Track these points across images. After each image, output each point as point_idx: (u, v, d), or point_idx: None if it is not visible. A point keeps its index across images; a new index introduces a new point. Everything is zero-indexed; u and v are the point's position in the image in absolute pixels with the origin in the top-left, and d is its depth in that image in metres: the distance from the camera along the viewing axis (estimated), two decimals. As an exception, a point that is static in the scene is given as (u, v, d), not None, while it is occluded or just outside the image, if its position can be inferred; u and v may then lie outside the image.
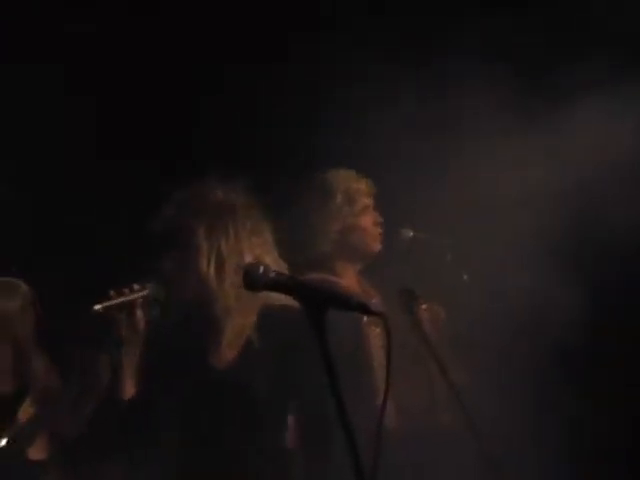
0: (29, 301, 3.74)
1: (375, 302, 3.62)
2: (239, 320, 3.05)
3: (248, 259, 2.93)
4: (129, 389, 3.03)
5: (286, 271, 2.93)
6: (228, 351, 3.05)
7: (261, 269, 2.33)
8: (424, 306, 3.61)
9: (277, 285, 2.36)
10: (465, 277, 4.11)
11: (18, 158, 4.46)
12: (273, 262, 2.95)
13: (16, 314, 3.68)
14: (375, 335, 3.65)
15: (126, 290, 2.98)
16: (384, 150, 4.27)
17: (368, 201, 3.86)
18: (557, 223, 4.14)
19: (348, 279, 3.79)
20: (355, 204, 3.83)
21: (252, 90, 4.60)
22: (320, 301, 2.27)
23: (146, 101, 4.61)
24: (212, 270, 3.00)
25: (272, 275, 2.34)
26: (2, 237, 4.11)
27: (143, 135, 4.63)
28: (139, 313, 3.01)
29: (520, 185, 4.17)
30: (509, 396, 3.70)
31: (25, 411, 3.61)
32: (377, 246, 3.85)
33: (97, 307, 2.93)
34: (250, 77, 4.60)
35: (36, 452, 3.60)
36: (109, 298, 2.96)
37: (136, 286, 3.00)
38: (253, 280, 2.34)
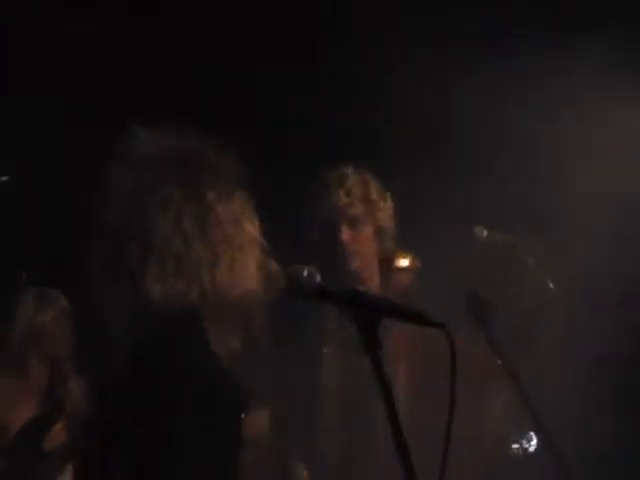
0: (65, 314, 3.52)
1: None
2: None
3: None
4: None
5: None
6: None
7: (305, 273, 2.06)
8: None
9: (325, 294, 2.09)
10: (551, 285, 3.71)
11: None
12: None
13: (51, 329, 3.46)
14: None
15: None
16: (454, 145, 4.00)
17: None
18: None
19: None
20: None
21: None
22: (373, 311, 2.02)
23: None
24: None
25: (318, 281, 2.07)
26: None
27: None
28: None
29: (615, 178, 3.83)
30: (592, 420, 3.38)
31: (56, 437, 3.37)
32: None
33: None
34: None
35: None
36: None
37: None
38: (297, 288, 2.06)
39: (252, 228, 2.44)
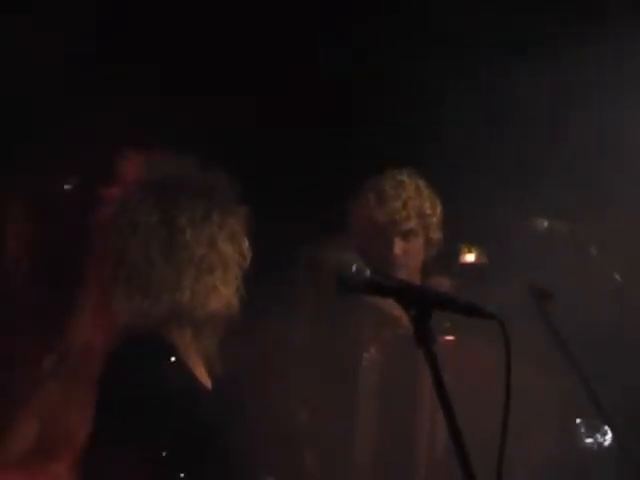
0: None
1: None
2: None
3: None
4: None
5: None
6: None
7: (354, 268, 2.05)
8: None
9: (375, 287, 2.07)
10: (617, 277, 3.61)
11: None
12: None
13: None
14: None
15: None
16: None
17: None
18: None
19: None
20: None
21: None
22: (425, 304, 2.00)
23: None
24: None
25: (368, 275, 2.05)
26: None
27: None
28: None
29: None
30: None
31: None
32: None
33: None
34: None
35: None
36: None
37: None
38: (346, 282, 2.05)
39: (230, 249, 2.53)
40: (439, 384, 1.96)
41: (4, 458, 3.60)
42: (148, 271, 2.49)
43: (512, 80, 4.04)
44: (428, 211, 3.42)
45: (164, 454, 2.44)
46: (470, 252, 4.42)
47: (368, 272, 2.06)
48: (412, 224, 3.39)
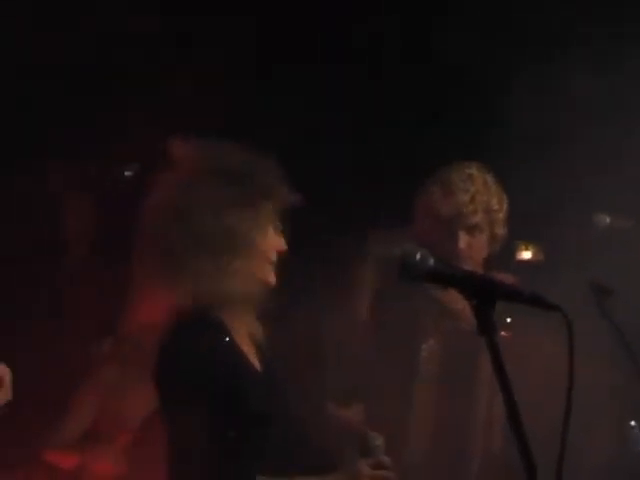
0: None
1: None
2: None
3: None
4: None
5: None
6: None
7: (418, 256, 2.03)
8: None
9: (439, 276, 2.06)
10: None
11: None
12: None
13: None
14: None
15: None
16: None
17: None
18: None
19: None
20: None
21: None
22: (489, 293, 1.98)
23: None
24: None
25: (432, 263, 2.04)
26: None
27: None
28: None
29: None
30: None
31: None
32: None
33: None
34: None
35: None
36: None
37: None
38: (410, 270, 2.04)
39: (272, 234, 2.60)
40: (501, 373, 1.93)
41: (60, 440, 3.65)
42: (193, 255, 2.53)
43: (575, 78, 4.01)
44: (495, 206, 3.38)
45: (224, 432, 2.47)
46: (527, 249, 4.39)
47: (432, 260, 2.04)
48: (478, 218, 3.35)
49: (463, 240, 3.32)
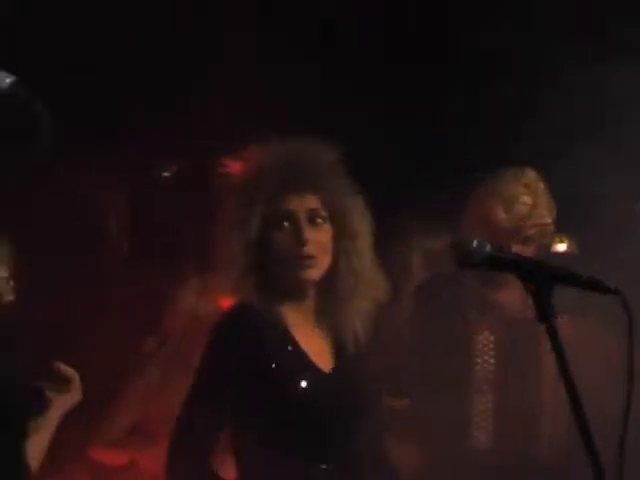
0: None
1: None
2: None
3: None
4: None
5: None
6: None
7: (475, 243, 2.05)
8: None
9: (495, 261, 2.07)
10: None
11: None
12: None
13: None
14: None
15: None
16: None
17: None
18: None
19: None
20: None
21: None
22: (546, 278, 1.99)
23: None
24: None
25: (489, 250, 2.05)
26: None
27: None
28: None
29: None
30: None
31: None
32: None
33: None
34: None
35: None
36: None
37: None
38: (466, 256, 2.05)
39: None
40: (561, 359, 1.94)
41: (106, 438, 3.68)
42: (260, 246, 2.54)
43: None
44: (548, 220, 3.41)
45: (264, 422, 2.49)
46: (562, 242, 4.39)
47: (489, 246, 2.05)
48: (532, 232, 3.38)
49: (515, 250, 3.31)
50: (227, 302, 3.22)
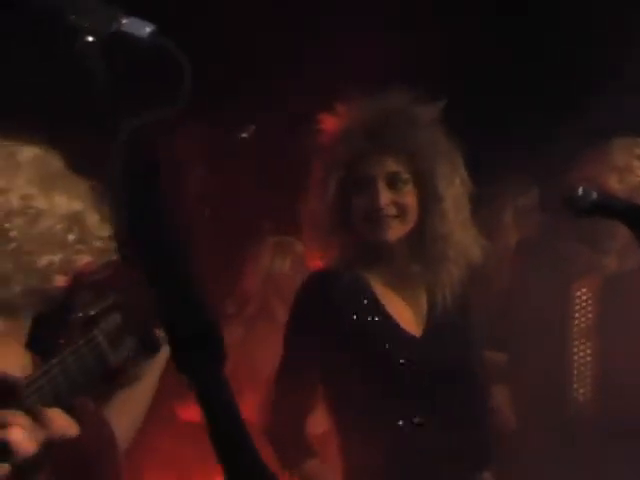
0: (302, 261, 3.76)
1: None
2: None
3: None
4: None
5: None
6: None
7: (580, 191, 2.08)
8: None
9: (603, 207, 2.10)
10: None
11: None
12: None
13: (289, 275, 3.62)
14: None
15: None
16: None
17: None
18: None
19: None
20: None
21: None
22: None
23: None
24: None
25: (595, 197, 2.09)
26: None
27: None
28: None
29: None
30: None
31: None
32: None
33: None
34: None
35: None
36: None
37: None
38: (574, 203, 2.09)
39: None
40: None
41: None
42: (342, 209, 2.55)
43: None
44: None
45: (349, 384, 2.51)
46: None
47: (595, 194, 2.09)
48: None
49: None
50: (313, 264, 3.28)
